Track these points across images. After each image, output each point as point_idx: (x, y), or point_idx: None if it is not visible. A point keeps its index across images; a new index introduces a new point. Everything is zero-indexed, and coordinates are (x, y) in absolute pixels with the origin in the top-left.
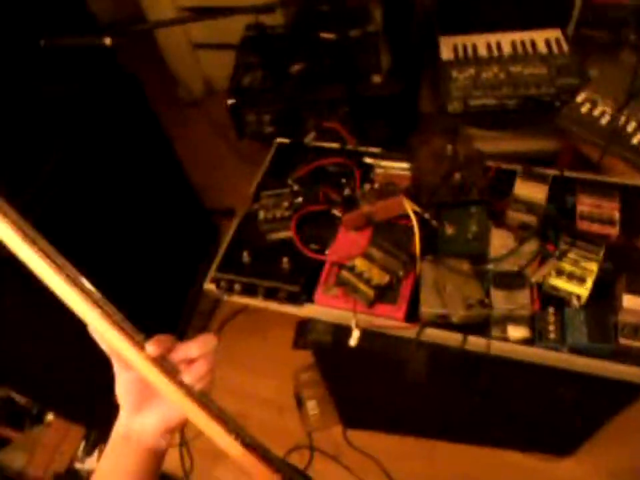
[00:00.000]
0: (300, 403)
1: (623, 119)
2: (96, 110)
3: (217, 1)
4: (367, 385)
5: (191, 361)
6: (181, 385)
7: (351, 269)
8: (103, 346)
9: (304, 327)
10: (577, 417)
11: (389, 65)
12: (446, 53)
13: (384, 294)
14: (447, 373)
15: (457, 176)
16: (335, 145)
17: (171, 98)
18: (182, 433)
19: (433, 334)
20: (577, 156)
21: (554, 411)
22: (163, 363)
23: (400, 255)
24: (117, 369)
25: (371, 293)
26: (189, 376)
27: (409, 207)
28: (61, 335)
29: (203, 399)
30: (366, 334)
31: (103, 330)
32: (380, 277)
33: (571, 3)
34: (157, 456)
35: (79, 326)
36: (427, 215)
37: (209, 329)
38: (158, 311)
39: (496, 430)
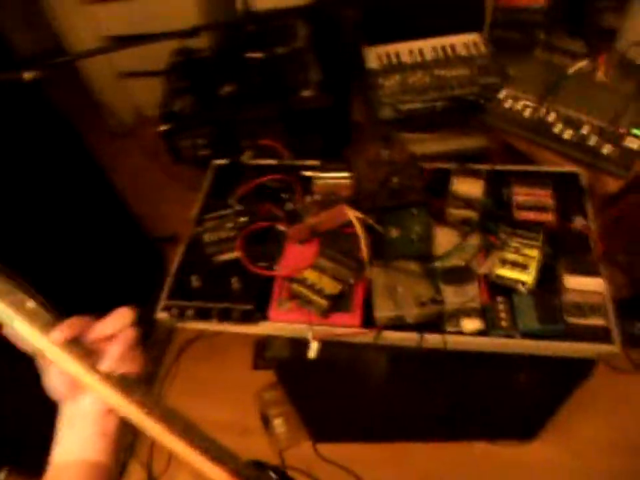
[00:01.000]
0: (267, 423)
1: (543, 110)
2: (23, 147)
3: (140, 28)
4: (331, 396)
5: (108, 340)
6: (95, 370)
7: (302, 281)
8: (22, 345)
9: (262, 347)
10: (536, 399)
11: (319, 79)
12: (372, 63)
13: (337, 303)
14: (408, 373)
15: (395, 180)
16: (272, 162)
17: (103, 129)
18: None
19: (390, 336)
20: (508, 150)
21: (515, 397)
22: (74, 348)
23: (349, 263)
24: (41, 364)
25: (324, 303)
26: (106, 358)
27: (352, 215)
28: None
29: (125, 383)
30: (325, 344)
31: (9, 320)
32: (332, 286)
33: (483, 8)
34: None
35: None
36: (370, 221)
37: (164, 359)
38: None
39: (462, 423)
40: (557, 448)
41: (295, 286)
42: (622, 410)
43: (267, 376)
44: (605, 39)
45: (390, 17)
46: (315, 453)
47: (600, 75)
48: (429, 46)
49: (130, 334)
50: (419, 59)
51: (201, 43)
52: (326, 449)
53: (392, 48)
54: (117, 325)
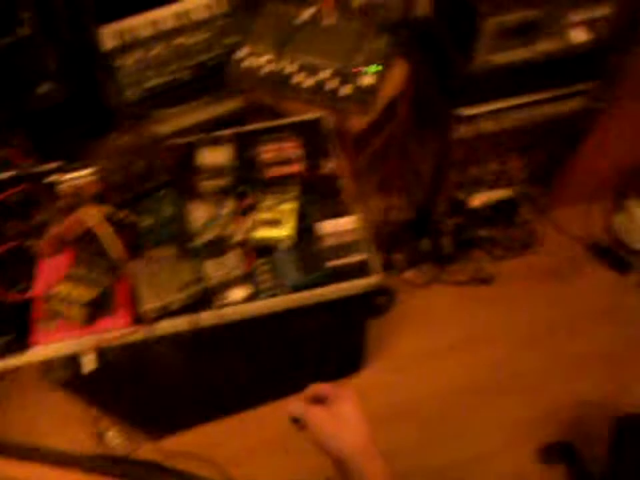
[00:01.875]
0: (100, 439)
1: (282, 63)
2: None
3: None
4: (142, 393)
5: None
6: None
7: (55, 296)
8: None
9: None
10: (338, 338)
11: (55, 70)
12: (109, 43)
13: (100, 308)
14: (203, 351)
15: (140, 164)
16: (10, 173)
17: None
18: None
19: (164, 326)
20: (261, 108)
21: (320, 342)
22: None
23: (102, 264)
24: None
25: (80, 312)
26: None
27: (88, 216)
28: None
29: None
30: (104, 351)
31: None
32: (87, 293)
33: None
34: None
35: None
36: (120, 215)
37: None
38: None
39: (290, 378)
40: (382, 369)
41: (50, 303)
42: (427, 319)
43: None
44: None
45: None
46: (158, 450)
47: (326, 20)
48: (167, 14)
49: None
50: (157, 30)
51: None
52: (171, 442)
53: (127, 23)
54: None
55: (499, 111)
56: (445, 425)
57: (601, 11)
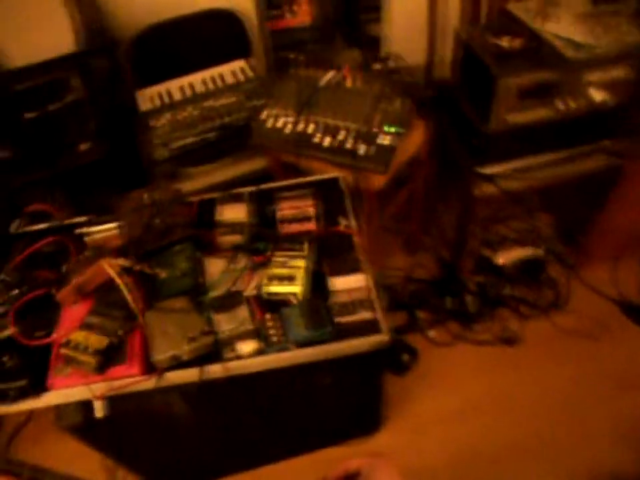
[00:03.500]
0: None
1: (302, 123)
2: None
3: None
4: (155, 445)
5: None
6: None
7: (68, 344)
8: None
9: None
10: (352, 396)
11: (94, 130)
12: (144, 105)
13: (112, 357)
14: (209, 405)
15: (158, 221)
16: (44, 226)
17: None
18: None
19: (172, 377)
20: (285, 166)
21: (334, 399)
22: None
23: (116, 314)
24: None
25: (92, 360)
26: None
27: (109, 268)
28: None
29: None
30: (115, 398)
31: None
32: (99, 342)
33: (246, 34)
34: None
35: None
36: (138, 267)
37: None
38: None
39: (303, 435)
40: (402, 430)
41: (63, 350)
42: (450, 379)
43: None
44: (375, 46)
45: (160, 56)
46: None
47: (348, 83)
48: (199, 79)
49: None
50: (189, 93)
51: None
52: None
53: (163, 87)
54: None
55: (521, 169)
56: None
57: (618, 73)
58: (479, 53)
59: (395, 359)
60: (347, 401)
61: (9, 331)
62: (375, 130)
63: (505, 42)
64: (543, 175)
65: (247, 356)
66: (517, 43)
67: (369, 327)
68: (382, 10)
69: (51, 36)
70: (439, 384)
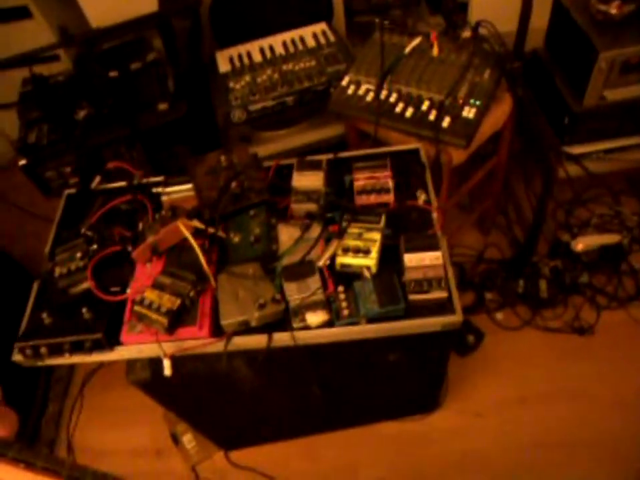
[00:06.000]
0: (176, 441)
1: (384, 93)
2: None
3: None
4: (215, 404)
5: None
6: None
7: (141, 302)
8: None
9: None
10: (415, 374)
11: (172, 91)
12: (223, 66)
13: (182, 317)
14: (273, 372)
15: (234, 184)
16: (122, 184)
17: None
18: None
19: (239, 342)
20: (360, 135)
21: (393, 375)
22: None
23: (188, 276)
24: None
25: (164, 320)
26: None
27: (184, 229)
28: None
29: None
30: (182, 358)
31: None
32: (171, 302)
33: None
34: None
35: None
36: (211, 230)
37: (69, 393)
38: (11, 383)
39: (362, 408)
40: (460, 412)
41: (136, 307)
42: (515, 365)
43: None
44: (460, 13)
45: (240, 17)
46: (228, 462)
47: (435, 51)
48: (279, 41)
49: None
50: (269, 56)
51: (56, 68)
52: (238, 455)
53: (243, 48)
54: None
55: (611, 150)
56: None
57: None
58: (580, 21)
59: (460, 339)
60: (410, 378)
61: (87, 285)
62: (460, 102)
63: (613, 8)
64: (634, 157)
65: (316, 327)
66: (628, 8)
67: (442, 307)
68: None
69: None
70: (502, 368)
